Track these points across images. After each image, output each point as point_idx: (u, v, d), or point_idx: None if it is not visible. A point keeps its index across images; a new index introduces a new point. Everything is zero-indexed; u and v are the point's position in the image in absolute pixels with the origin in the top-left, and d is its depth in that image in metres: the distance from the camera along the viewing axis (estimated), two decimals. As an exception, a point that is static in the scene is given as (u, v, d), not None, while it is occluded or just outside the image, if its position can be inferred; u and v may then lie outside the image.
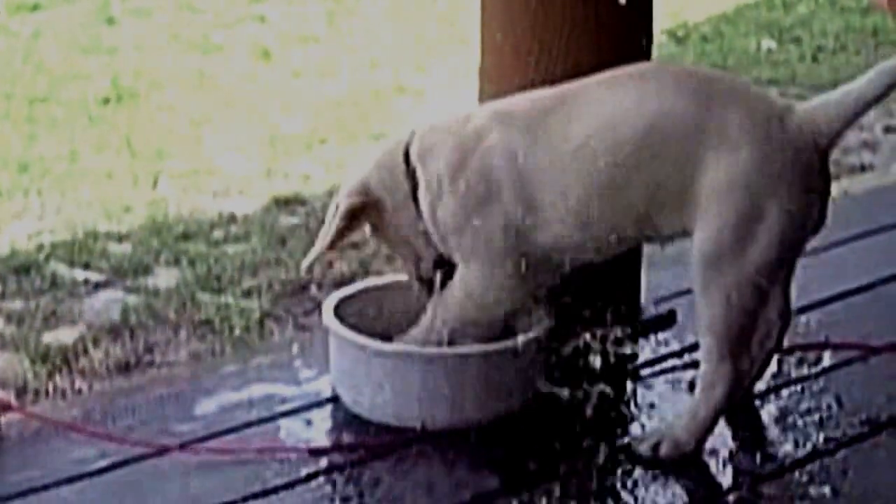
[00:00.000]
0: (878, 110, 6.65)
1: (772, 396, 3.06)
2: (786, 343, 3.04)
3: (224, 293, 4.86)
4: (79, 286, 4.90)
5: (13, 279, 4.93)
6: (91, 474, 2.74)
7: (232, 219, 5.59)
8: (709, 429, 2.80)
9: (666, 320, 3.37)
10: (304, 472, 2.76)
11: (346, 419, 2.96)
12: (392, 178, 2.94)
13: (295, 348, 3.28)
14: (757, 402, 3.03)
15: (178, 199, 5.79)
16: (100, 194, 5.81)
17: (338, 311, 3.01)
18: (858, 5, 9.31)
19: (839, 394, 3.07)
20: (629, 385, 3.11)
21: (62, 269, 5.03)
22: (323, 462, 2.80)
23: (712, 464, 2.81)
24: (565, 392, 2.89)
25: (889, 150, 6.65)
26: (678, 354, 3.23)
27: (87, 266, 5.06)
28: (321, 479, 2.75)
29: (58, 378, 4.25)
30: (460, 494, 2.72)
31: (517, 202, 2.82)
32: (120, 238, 5.36)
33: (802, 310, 3.27)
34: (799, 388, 3.11)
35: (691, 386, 2.96)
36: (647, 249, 3.21)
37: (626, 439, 2.87)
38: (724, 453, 2.83)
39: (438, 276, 2.97)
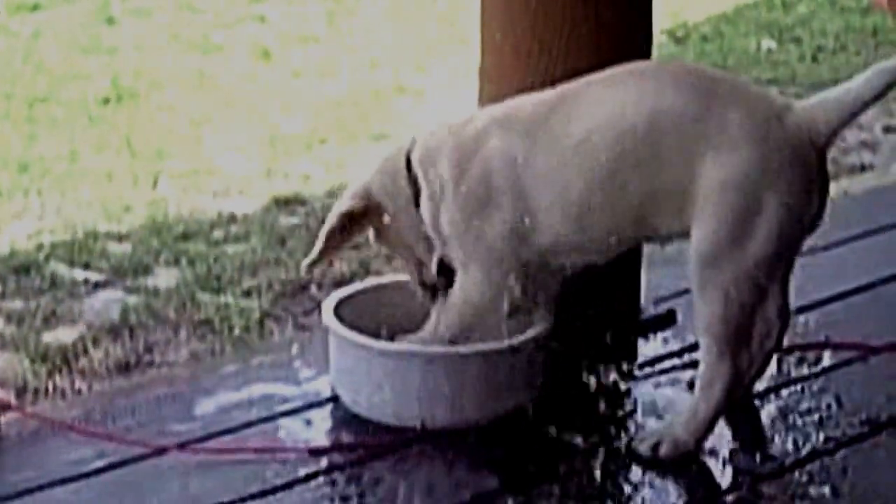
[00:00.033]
0: (878, 110, 6.66)
1: (772, 396, 3.06)
2: (785, 343, 3.04)
3: (224, 293, 4.86)
4: (79, 286, 4.90)
5: (13, 279, 4.94)
6: (90, 474, 2.74)
7: (232, 219, 5.58)
8: (708, 428, 2.80)
9: (666, 320, 3.37)
10: (303, 471, 2.76)
11: (346, 419, 2.96)
12: (394, 183, 2.95)
13: (295, 348, 3.28)
14: (757, 402, 3.03)
15: (178, 199, 5.79)
16: (100, 194, 5.81)
17: (338, 311, 3.01)
18: (858, 5, 9.32)
19: (839, 394, 3.07)
20: (629, 385, 3.11)
21: (62, 269, 5.03)
22: (323, 462, 2.80)
23: (712, 463, 2.80)
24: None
25: (889, 150, 6.65)
26: (678, 354, 3.23)
27: (86, 266, 5.06)
28: (321, 478, 2.75)
29: (57, 378, 4.25)
30: (460, 494, 2.71)
31: (517, 206, 2.82)
32: (120, 238, 5.36)
33: (802, 309, 3.27)
34: (799, 387, 3.10)
35: (691, 385, 2.95)
36: (646, 249, 3.21)
37: (626, 439, 2.87)
38: (723, 453, 2.83)
39: (442, 282, 2.97)
